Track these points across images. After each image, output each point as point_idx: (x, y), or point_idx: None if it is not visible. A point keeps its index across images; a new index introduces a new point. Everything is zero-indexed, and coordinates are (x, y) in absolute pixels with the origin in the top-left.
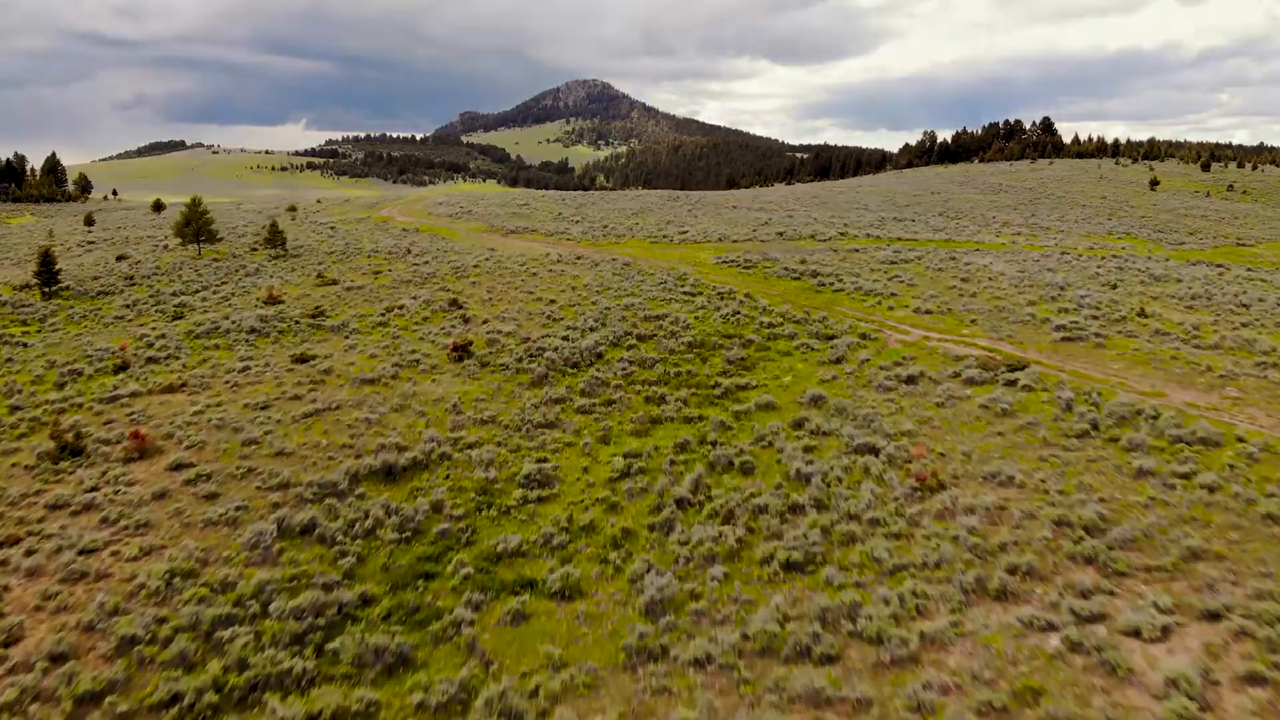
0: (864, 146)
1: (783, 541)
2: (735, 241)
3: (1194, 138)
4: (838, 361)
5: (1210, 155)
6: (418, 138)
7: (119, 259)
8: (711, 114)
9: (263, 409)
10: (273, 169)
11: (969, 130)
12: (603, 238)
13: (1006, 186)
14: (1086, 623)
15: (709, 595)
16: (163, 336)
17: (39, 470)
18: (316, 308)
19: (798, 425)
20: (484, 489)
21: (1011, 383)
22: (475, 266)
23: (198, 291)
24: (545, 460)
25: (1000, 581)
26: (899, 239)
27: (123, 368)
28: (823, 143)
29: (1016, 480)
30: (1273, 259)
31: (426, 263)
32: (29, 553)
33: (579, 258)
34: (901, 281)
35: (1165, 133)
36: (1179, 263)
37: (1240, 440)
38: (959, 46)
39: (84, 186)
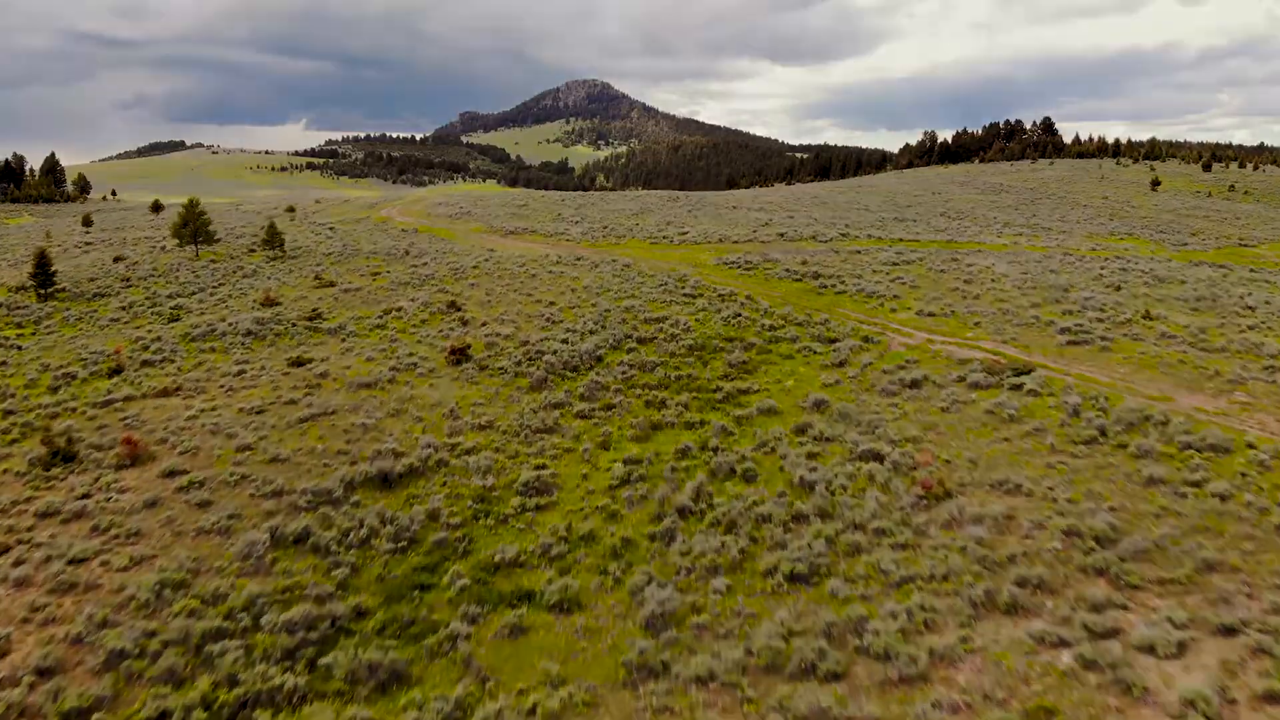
0: (864, 147)
1: (787, 552)
2: (736, 242)
3: (1194, 138)
4: (840, 365)
5: (1211, 155)
6: (417, 138)
7: (116, 260)
8: (711, 114)
9: (258, 414)
10: (272, 169)
11: (969, 130)
12: (602, 239)
13: (1007, 187)
14: (1100, 638)
15: (711, 608)
16: (158, 339)
17: (30, 477)
18: (314, 310)
19: (800, 431)
20: (481, 497)
21: (1017, 387)
22: (474, 268)
23: (194, 293)
24: (544, 467)
25: (1010, 595)
26: (900, 240)
27: (117, 371)
28: (823, 143)
29: (1024, 488)
30: (1276, 260)
31: (425, 264)
32: (18, 562)
33: (579, 259)
34: (904, 283)
35: (1165, 133)
36: (1182, 264)
37: (1251, 447)
38: (959, 46)
39: (83, 187)
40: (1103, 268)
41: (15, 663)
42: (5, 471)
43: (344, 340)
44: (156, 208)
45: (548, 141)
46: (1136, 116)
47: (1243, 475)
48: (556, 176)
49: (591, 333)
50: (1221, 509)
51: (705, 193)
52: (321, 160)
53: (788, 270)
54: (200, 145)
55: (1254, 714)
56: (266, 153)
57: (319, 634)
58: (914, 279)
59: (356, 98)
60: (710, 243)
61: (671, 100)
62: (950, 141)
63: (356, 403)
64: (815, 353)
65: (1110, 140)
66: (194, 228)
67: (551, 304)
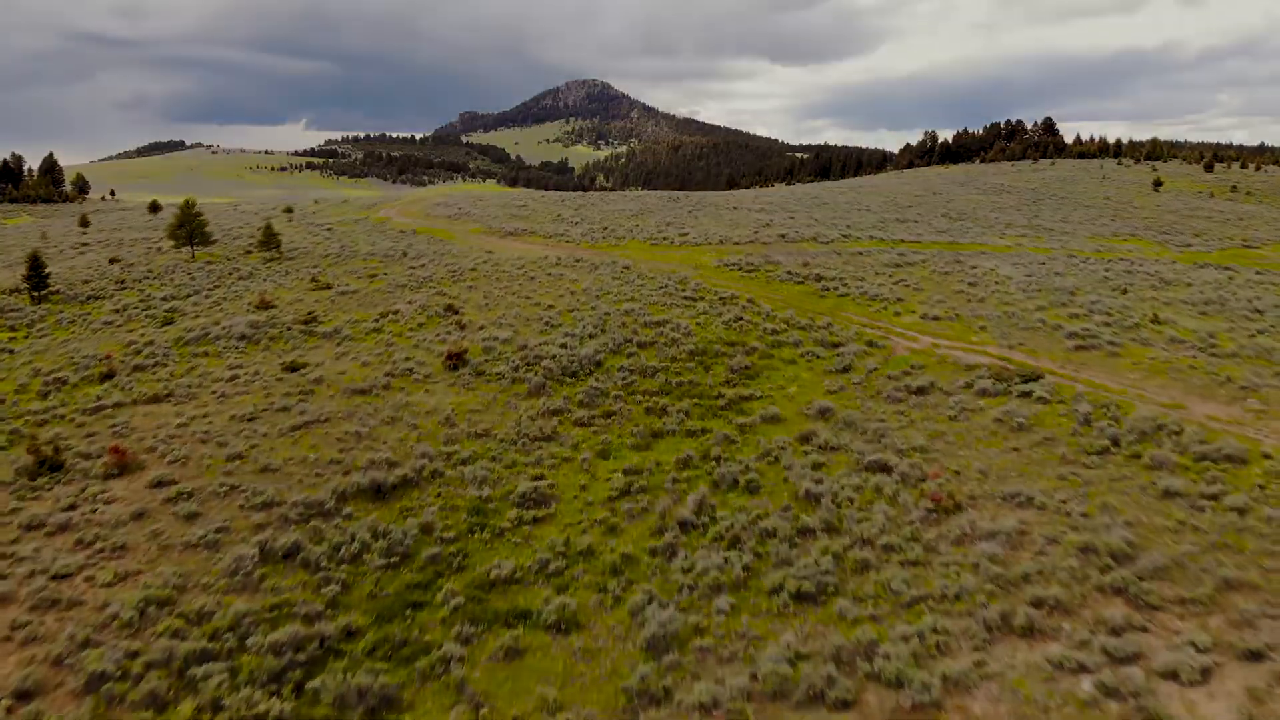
0: (864, 147)
1: (792, 569)
2: (736, 244)
3: (1194, 138)
4: (844, 370)
5: (1213, 155)
6: (417, 138)
7: (111, 261)
8: (711, 114)
9: (249, 421)
10: (272, 169)
11: (970, 130)
12: (602, 240)
13: (1009, 187)
14: (1120, 664)
15: (714, 630)
16: (151, 343)
17: (16, 487)
18: (309, 313)
19: (805, 439)
20: (477, 509)
21: (1026, 394)
22: (472, 270)
23: (189, 296)
24: (542, 478)
25: (1026, 616)
26: (902, 241)
27: (108, 376)
28: (823, 143)
29: (1036, 501)
30: None
31: (423, 266)
32: (0, 578)
33: (578, 261)
34: (907, 286)
35: (1165, 133)
36: (1187, 265)
37: (1267, 457)
38: (959, 46)
39: (81, 187)
40: (1107, 270)
41: None
42: None
43: (339, 344)
44: (154, 208)
45: (547, 141)
46: (1136, 116)
47: (1260, 487)
48: (556, 176)
49: (591, 337)
50: (1240, 524)
51: (705, 193)
52: (321, 160)
53: (790, 273)
54: (200, 145)
55: None
56: (266, 153)
57: (307, 656)
58: (917, 281)
59: (356, 98)
60: (711, 244)
61: (671, 100)
62: (951, 141)
63: (351, 409)
64: (819, 358)
65: (1111, 140)
66: (190, 229)
67: (550, 307)
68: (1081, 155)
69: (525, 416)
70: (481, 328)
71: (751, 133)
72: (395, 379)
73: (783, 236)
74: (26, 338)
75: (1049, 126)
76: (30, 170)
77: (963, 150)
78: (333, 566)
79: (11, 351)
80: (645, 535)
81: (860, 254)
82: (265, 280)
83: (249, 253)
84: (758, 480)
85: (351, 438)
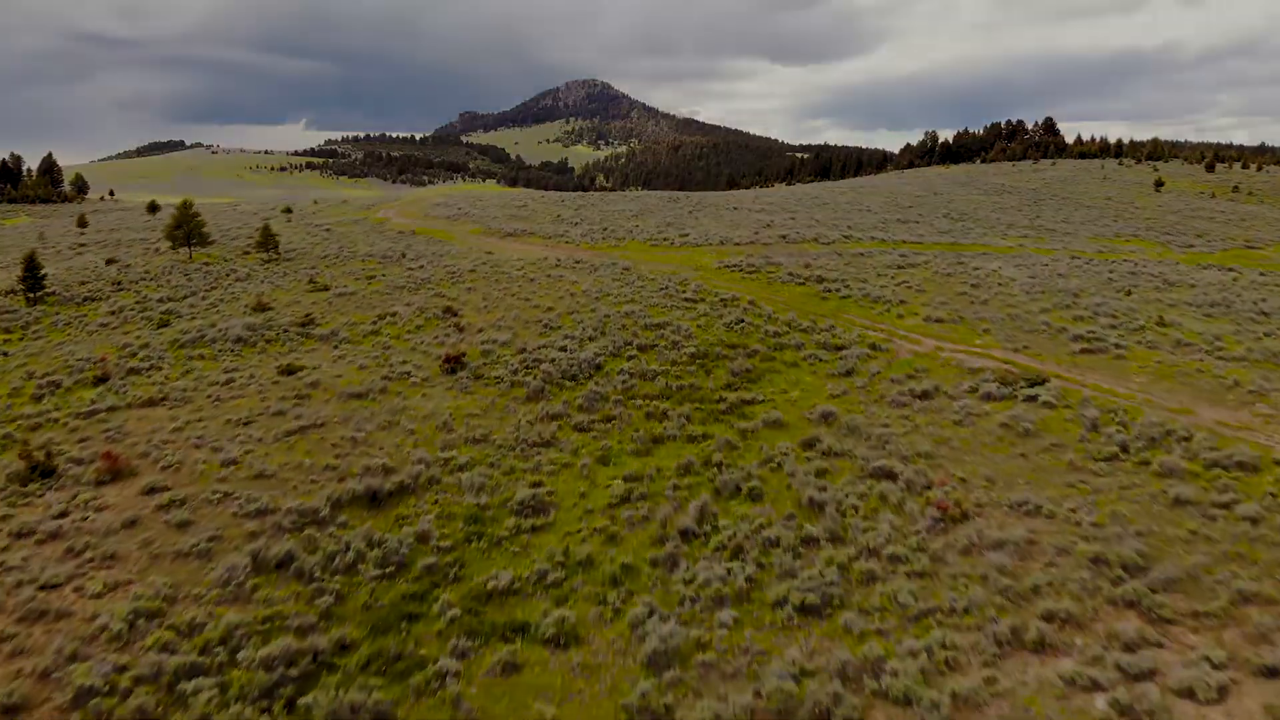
0: (864, 147)
1: (797, 581)
2: (737, 244)
3: (1194, 138)
4: (848, 374)
5: (1215, 156)
6: (417, 137)
7: (108, 262)
8: (711, 114)
9: (244, 425)
10: (271, 169)
11: (971, 130)
12: (602, 240)
13: (1010, 187)
14: (1134, 680)
15: (717, 644)
16: (146, 346)
17: (6, 493)
18: (306, 315)
19: (808, 445)
20: (474, 517)
21: (1032, 399)
22: (471, 271)
23: (185, 298)
24: (540, 484)
25: (1037, 631)
26: (904, 242)
27: (103, 380)
28: (823, 143)
29: (1045, 510)
30: None
31: (421, 267)
32: None
33: (578, 262)
34: (910, 287)
35: (1165, 133)
36: (1190, 267)
37: (1279, 464)
38: (959, 46)
39: (80, 187)
40: (1111, 271)
41: None
42: None
43: (336, 347)
44: (153, 208)
45: (547, 141)
46: (1136, 117)
47: (1272, 496)
48: (556, 176)
49: (590, 339)
50: (1253, 533)
51: (705, 193)
52: (321, 160)
53: (791, 274)
54: (200, 145)
55: None
56: (266, 153)
57: (299, 670)
58: (920, 283)
59: (356, 98)
60: (711, 245)
61: (671, 100)
62: (951, 141)
63: (347, 414)
64: (821, 361)
65: (1112, 141)
66: (187, 230)
67: (550, 309)
68: (1082, 155)
69: (524, 421)
70: (480, 330)
71: (751, 133)
72: (392, 382)
73: (784, 237)
74: (21, 340)
75: (1050, 126)
76: (29, 170)
77: (963, 150)
78: (326, 577)
79: (6, 354)
80: (646, 544)
81: (862, 255)
82: (263, 282)
83: (247, 254)
84: (760, 487)
85: (347, 443)
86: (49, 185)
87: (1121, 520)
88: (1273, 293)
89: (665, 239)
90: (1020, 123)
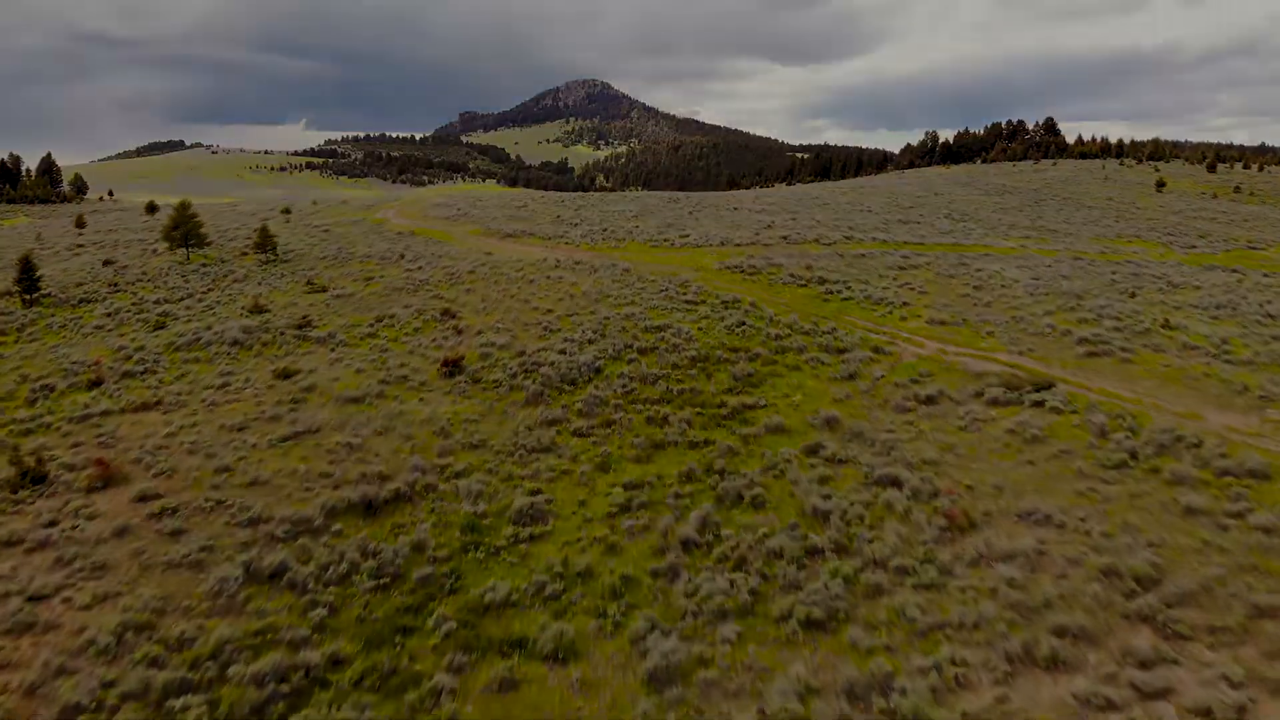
0: (864, 147)
1: (801, 594)
2: (738, 245)
3: (1194, 138)
4: (851, 378)
5: (1216, 156)
6: (417, 138)
7: (105, 264)
8: (711, 114)
9: (239, 430)
10: (271, 169)
11: (971, 130)
12: (602, 241)
13: (1011, 188)
14: (1150, 699)
15: (720, 660)
16: (141, 349)
17: None
18: (303, 317)
19: (811, 451)
20: (472, 525)
21: (1039, 404)
22: (470, 272)
23: (182, 299)
24: (539, 492)
25: (1049, 647)
26: (906, 243)
27: (97, 383)
28: (823, 143)
29: (1054, 519)
30: None
31: (420, 268)
32: None
33: (577, 263)
34: (912, 289)
35: (1165, 132)
36: (1194, 268)
37: None
38: (959, 46)
39: (79, 187)
40: (1114, 272)
41: None
42: None
43: (333, 350)
44: (151, 209)
45: (547, 141)
46: (1136, 117)
47: None
48: (556, 176)
49: (590, 342)
50: (1268, 544)
51: (706, 193)
52: (321, 160)
53: (792, 275)
54: (200, 145)
55: None
56: (266, 153)
57: (291, 687)
58: (922, 284)
59: (356, 98)
60: (712, 246)
61: (671, 100)
62: (952, 141)
63: (343, 419)
64: (824, 364)
65: (1113, 141)
66: (184, 231)
67: (549, 311)
68: (1083, 155)
69: (523, 426)
70: (479, 332)
71: (751, 133)
72: (389, 387)
73: (784, 238)
74: (16, 342)
75: (1051, 126)
76: (28, 170)
77: (964, 150)
78: (320, 588)
79: (1, 357)
80: (646, 555)
81: (863, 256)
82: (260, 283)
83: (244, 255)
84: (763, 495)
85: (343, 449)
86: (48, 185)
87: (1132, 530)
88: (1278, 295)
89: (665, 240)
90: (1021, 123)
